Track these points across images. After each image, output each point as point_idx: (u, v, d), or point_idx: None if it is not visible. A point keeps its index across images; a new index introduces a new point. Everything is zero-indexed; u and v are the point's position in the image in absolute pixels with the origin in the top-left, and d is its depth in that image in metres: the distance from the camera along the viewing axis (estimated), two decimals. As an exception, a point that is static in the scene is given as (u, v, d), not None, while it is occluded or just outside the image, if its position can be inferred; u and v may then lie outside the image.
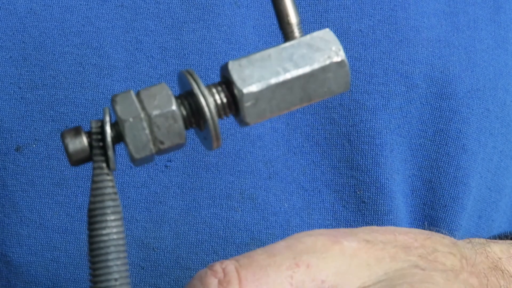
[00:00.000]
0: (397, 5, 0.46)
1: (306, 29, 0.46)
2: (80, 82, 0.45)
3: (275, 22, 0.29)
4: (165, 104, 0.27)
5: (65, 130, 0.28)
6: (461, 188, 0.46)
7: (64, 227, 0.44)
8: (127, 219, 0.44)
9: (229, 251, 0.44)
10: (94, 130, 0.28)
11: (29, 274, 0.44)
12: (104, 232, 0.27)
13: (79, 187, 0.44)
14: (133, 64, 0.45)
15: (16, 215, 0.44)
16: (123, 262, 0.28)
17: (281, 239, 0.44)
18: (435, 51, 0.46)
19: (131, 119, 0.27)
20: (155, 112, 0.27)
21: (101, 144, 0.28)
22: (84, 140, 0.28)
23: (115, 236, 0.28)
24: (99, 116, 0.44)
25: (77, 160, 0.28)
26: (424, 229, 0.45)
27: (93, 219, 0.28)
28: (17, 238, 0.44)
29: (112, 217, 0.28)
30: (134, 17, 0.46)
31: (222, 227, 0.44)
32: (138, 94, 0.27)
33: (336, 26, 0.46)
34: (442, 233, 0.37)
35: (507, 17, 0.49)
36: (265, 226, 0.44)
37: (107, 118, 0.27)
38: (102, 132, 0.27)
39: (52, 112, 0.44)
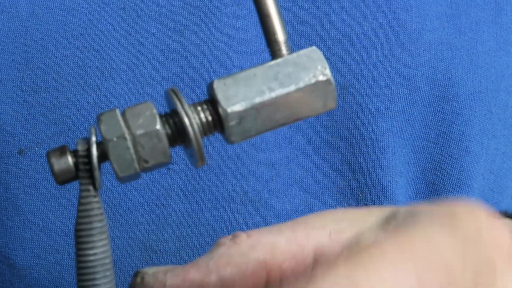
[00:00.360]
0: (400, 8, 0.46)
1: (307, 31, 0.46)
2: (82, 84, 0.45)
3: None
4: (150, 123, 0.27)
5: (50, 150, 0.28)
6: (464, 190, 0.46)
7: (67, 230, 0.44)
8: (129, 222, 0.44)
9: (232, 253, 0.44)
10: (80, 151, 0.28)
11: (32, 277, 0.44)
12: (91, 252, 0.28)
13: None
14: (135, 67, 0.45)
15: (19, 218, 0.44)
16: (109, 279, 0.28)
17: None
18: (437, 54, 0.46)
19: (115, 139, 0.27)
20: (139, 132, 0.27)
21: (87, 166, 0.28)
22: (70, 160, 0.28)
23: (101, 255, 0.28)
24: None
25: (63, 180, 0.28)
26: None
27: (80, 239, 0.28)
28: (20, 241, 0.44)
29: (99, 237, 0.28)
30: (136, 19, 0.46)
31: (224, 230, 0.44)
32: (123, 113, 0.27)
33: (338, 29, 0.46)
34: None
35: (509, 19, 0.49)
36: None
37: (94, 139, 0.27)
38: (88, 153, 0.28)
39: (54, 115, 0.44)
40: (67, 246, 0.44)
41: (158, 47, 0.45)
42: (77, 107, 0.44)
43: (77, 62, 0.45)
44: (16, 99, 0.45)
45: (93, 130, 0.27)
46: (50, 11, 0.46)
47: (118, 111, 0.27)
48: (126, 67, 0.45)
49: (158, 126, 0.27)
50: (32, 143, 0.44)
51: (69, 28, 0.45)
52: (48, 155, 0.28)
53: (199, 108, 0.28)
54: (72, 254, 0.44)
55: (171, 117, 0.28)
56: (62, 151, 0.28)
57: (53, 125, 0.44)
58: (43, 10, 0.46)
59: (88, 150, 0.27)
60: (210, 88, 0.28)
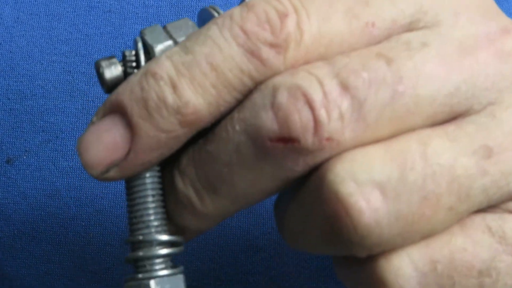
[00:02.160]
0: None
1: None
2: (69, 91, 0.44)
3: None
4: (190, 31, 0.28)
5: (99, 60, 0.28)
6: None
7: (57, 240, 0.43)
8: (121, 229, 0.43)
9: (226, 258, 0.43)
10: (128, 57, 0.28)
11: (23, 287, 0.43)
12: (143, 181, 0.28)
13: (71, 197, 0.43)
14: None
15: (9, 229, 0.43)
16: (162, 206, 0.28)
17: (278, 244, 0.43)
18: None
19: (160, 45, 0.28)
20: (182, 39, 0.28)
21: (135, 70, 0.28)
22: (119, 67, 0.28)
23: (154, 185, 0.28)
24: (87, 122, 0.44)
25: (112, 87, 0.28)
26: None
27: None
28: (10, 251, 0.43)
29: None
30: (123, 22, 0.45)
31: (217, 234, 0.43)
32: (164, 27, 0.28)
33: None
34: None
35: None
36: (262, 231, 0.43)
37: (140, 45, 0.28)
38: (137, 57, 0.28)
39: (42, 122, 0.44)
40: (58, 256, 0.43)
41: None
42: (64, 113, 0.44)
43: (63, 68, 0.44)
44: (3, 107, 0.44)
45: (138, 39, 0.28)
46: (35, 17, 0.45)
47: (159, 25, 0.28)
48: None
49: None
50: (20, 151, 0.44)
51: (54, 34, 0.45)
52: (97, 64, 0.28)
53: None
54: (63, 264, 0.43)
55: None
56: (111, 59, 0.28)
57: (41, 133, 0.44)
58: (28, 16, 0.45)
59: (137, 55, 0.28)
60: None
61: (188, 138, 0.27)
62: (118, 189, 0.43)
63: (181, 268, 0.29)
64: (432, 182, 0.24)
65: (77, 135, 0.43)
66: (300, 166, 0.25)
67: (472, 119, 0.25)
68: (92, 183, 0.43)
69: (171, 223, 0.28)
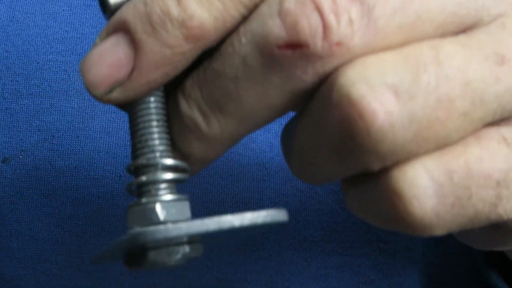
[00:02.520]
0: None
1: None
2: (66, 89, 0.44)
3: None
4: None
5: None
6: None
7: (54, 239, 0.43)
8: (118, 228, 0.43)
9: (223, 257, 0.43)
10: None
11: (20, 287, 0.43)
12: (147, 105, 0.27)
13: (68, 197, 0.43)
14: None
15: (5, 228, 0.43)
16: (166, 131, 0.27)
17: (276, 242, 0.43)
18: None
19: None
20: None
21: None
22: None
23: (159, 110, 0.27)
24: (85, 125, 0.43)
25: (115, 11, 0.27)
26: None
27: None
28: (7, 251, 0.43)
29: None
30: None
31: None
32: None
33: None
34: None
35: None
36: (259, 230, 0.43)
37: None
38: None
39: (38, 121, 0.43)
40: (54, 256, 0.43)
41: None
42: (60, 112, 0.43)
43: (59, 67, 0.44)
44: None
45: None
46: (31, 16, 0.45)
47: None
48: None
49: None
50: (16, 151, 0.43)
51: (50, 32, 0.44)
52: None
53: None
54: (60, 263, 0.43)
55: None
56: None
57: (37, 132, 0.43)
58: (23, 14, 0.45)
59: None
60: None
61: (194, 59, 0.26)
62: (114, 189, 0.43)
63: (186, 196, 0.28)
64: (445, 84, 0.23)
65: (73, 135, 0.43)
66: (309, 75, 0.24)
67: (483, 30, 0.25)
68: (89, 182, 0.43)
69: (176, 151, 0.28)
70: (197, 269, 0.43)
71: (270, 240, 0.43)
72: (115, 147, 0.43)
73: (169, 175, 0.27)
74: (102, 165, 0.43)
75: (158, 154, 0.27)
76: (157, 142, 0.27)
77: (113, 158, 0.43)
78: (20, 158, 0.43)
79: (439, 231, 0.25)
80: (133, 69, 0.26)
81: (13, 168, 0.43)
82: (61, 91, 0.44)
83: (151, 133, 0.27)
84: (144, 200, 0.27)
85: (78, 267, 0.43)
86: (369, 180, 0.25)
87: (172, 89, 0.28)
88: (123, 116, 0.43)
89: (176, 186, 0.28)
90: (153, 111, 0.27)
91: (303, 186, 0.44)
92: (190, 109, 0.26)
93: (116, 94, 0.26)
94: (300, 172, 0.28)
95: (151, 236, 0.24)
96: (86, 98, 0.43)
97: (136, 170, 0.27)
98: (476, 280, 0.44)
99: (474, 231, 0.28)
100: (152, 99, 0.27)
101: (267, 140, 0.44)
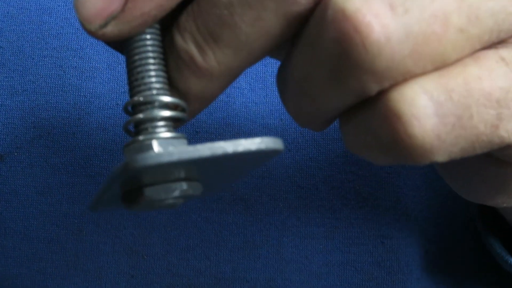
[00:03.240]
0: None
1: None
2: (61, 86, 0.43)
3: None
4: None
5: None
6: None
7: (49, 237, 0.42)
8: (114, 226, 0.42)
9: (222, 255, 0.42)
10: None
11: (15, 286, 0.43)
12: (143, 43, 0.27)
13: (63, 195, 0.42)
14: (115, 65, 0.43)
15: (0, 227, 0.43)
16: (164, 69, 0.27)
17: (276, 240, 0.42)
18: None
19: None
20: None
21: None
22: None
23: (155, 48, 0.27)
24: (81, 121, 0.43)
25: None
26: (441, 222, 0.43)
27: None
28: (1, 249, 0.43)
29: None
30: None
31: (213, 231, 0.42)
32: None
33: None
34: None
35: None
36: (259, 228, 0.42)
37: None
38: None
39: (33, 118, 0.43)
40: (50, 254, 0.42)
41: None
42: (56, 109, 0.43)
43: (55, 63, 0.43)
44: None
45: None
46: (26, 11, 0.44)
47: None
48: (105, 66, 0.43)
49: None
50: (12, 148, 0.43)
51: (45, 28, 0.44)
52: None
53: None
54: (56, 262, 0.42)
55: None
56: None
57: (32, 129, 0.43)
58: (18, 10, 0.44)
59: None
60: None
61: None
62: (111, 186, 0.42)
63: (185, 135, 0.27)
64: None
65: (69, 131, 0.43)
66: None
67: None
68: (85, 180, 0.42)
69: (173, 89, 0.27)
70: (195, 267, 0.42)
71: (270, 237, 0.42)
72: (111, 144, 0.42)
73: (166, 113, 0.26)
74: (98, 162, 0.42)
75: (155, 91, 0.26)
76: (154, 79, 0.26)
77: (110, 155, 0.42)
78: (15, 155, 0.43)
79: (440, 156, 0.24)
80: (127, 1, 0.25)
81: (8, 166, 0.43)
82: (57, 87, 0.43)
83: (148, 70, 0.26)
84: (141, 137, 0.26)
85: (74, 265, 0.42)
86: (367, 106, 0.25)
87: (167, 27, 0.27)
88: (120, 113, 0.43)
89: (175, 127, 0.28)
90: (149, 48, 0.27)
91: (304, 182, 0.43)
92: (185, 43, 0.26)
93: (111, 28, 0.26)
94: (296, 110, 0.27)
95: (142, 161, 0.23)
96: (82, 94, 0.43)
97: (133, 108, 0.27)
98: (481, 276, 0.44)
99: (473, 169, 0.28)
100: (148, 36, 0.27)
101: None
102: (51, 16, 0.44)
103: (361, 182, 0.43)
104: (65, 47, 0.44)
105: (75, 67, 0.43)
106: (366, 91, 0.24)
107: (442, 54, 0.23)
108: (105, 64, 0.43)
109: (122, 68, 0.43)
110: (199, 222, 0.42)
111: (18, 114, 0.43)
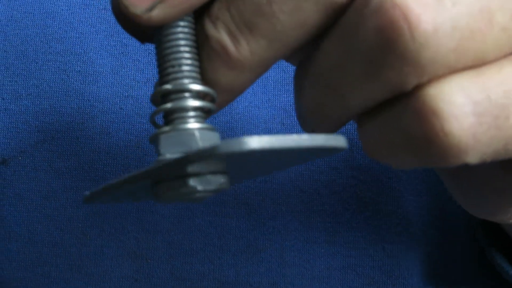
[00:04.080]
0: None
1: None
2: (65, 90, 0.43)
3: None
4: None
5: None
6: None
7: (54, 241, 0.43)
8: (118, 230, 0.42)
9: (225, 259, 0.42)
10: None
11: None
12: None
13: (68, 199, 0.42)
14: (119, 69, 0.44)
15: (5, 230, 0.43)
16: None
17: (279, 244, 0.43)
18: None
19: None
20: None
21: None
22: None
23: (189, 36, 0.26)
24: (85, 125, 0.43)
25: None
26: (441, 226, 0.43)
27: None
28: (6, 253, 0.43)
29: None
30: None
31: (217, 235, 0.42)
32: None
33: None
34: None
35: None
36: (262, 232, 0.43)
37: None
38: None
39: (37, 122, 0.43)
40: (54, 258, 0.43)
41: (141, 47, 0.44)
42: (60, 113, 0.43)
43: (58, 67, 0.44)
44: None
45: None
46: (29, 15, 0.44)
47: None
48: (109, 70, 0.43)
49: None
50: (15, 152, 0.43)
51: (49, 32, 0.44)
52: None
53: None
54: (60, 266, 0.43)
55: None
56: None
57: (36, 133, 0.43)
58: (22, 14, 0.44)
59: None
60: None
61: None
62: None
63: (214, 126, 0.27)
64: None
65: (73, 136, 0.43)
66: None
67: None
68: (89, 184, 0.43)
69: (203, 79, 0.27)
70: (199, 271, 0.42)
71: (273, 241, 0.43)
72: (115, 148, 0.43)
73: (200, 103, 0.26)
74: (102, 166, 0.43)
75: (186, 80, 0.26)
76: (185, 68, 0.26)
77: (113, 159, 0.43)
78: (19, 159, 0.43)
79: (473, 157, 0.24)
80: None
81: (12, 170, 0.43)
82: (60, 91, 0.43)
83: (180, 58, 0.26)
84: (181, 126, 0.26)
85: (78, 269, 0.42)
86: (398, 103, 0.24)
87: (198, 17, 0.27)
88: (123, 117, 0.43)
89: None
90: (186, 36, 0.26)
91: (306, 187, 0.43)
92: (217, 32, 0.26)
93: (157, 12, 0.25)
94: (317, 107, 0.26)
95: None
96: (85, 98, 0.43)
97: (163, 98, 0.26)
98: (481, 280, 0.44)
99: (488, 178, 0.28)
100: (185, 23, 0.26)
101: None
102: (54, 20, 0.44)
103: (362, 187, 0.44)
104: (68, 51, 0.44)
105: (79, 71, 0.43)
106: (403, 85, 0.23)
107: (484, 52, 0.23)
108: (109, 68, 0.43)
109: (125, 72, 0.44)
110: (202, 226, 0.42)
111: (22, 118, 0.43)
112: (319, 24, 0.25)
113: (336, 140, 0.24)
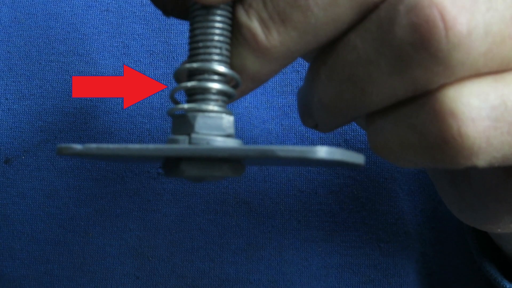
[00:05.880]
0: None
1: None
2: (68, 90, 0.44)
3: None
4: None
5: None
6: None
7: (56, 239, 0.43)
8: (120, 228, 0.43)
9: (226, 257, 0.43)
10: None
11: (22, 287, 0.43)
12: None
13: (70, 197, 0.43)
14: (121, 70, 0.44)
15: (8, 229, 0.43)
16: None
17: (277, 243, 0.43)
18: None
19: None
20: None
21: None
22: None
23: (225, 19, 0.27)
24: (88, 125, 0.43)
25: None
26: (435, 226, 0.44)
27: None
28: (9, 251, 0.43)
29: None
30: (120, 21, 0.45)
31: (217, 234, 0.43)
32: None
33: None
34: None
35: None
36: (261, 230, 0.43)
37: None
38: None
39: (40, 122, 0.43)
40: (57, 256, 0.43)
41: (143, 48, 0.44)
42: (63, 113, 0.44)
43: (61, 68, 0.44)
44: (1, 107, 0.44)
45: None
46: (32, 17, 0.45)
47: None
48: (111, 71, 0.44)
49: None
50: (19, 152, 0.43)
51: (52, 33, 0.44)
52: None
53: None
54: (63, 264, 0.43)
55: None
56: None
57: (39, 133, 0.43)
58: (25, 15, 0.45)
59: None
60: None
61: None
62: (116, 189, 0.43)
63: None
64: None
65: (75, 135, 0.43)
66: None
67: None
68: (91, 183, 0.43)
69: (230, 65, 0.27)
70: (200, 269, 0.43)
71: (272, 240, 0.43)
72: None
73: (224, 86, 0.26)
74: (105, 165, 0.43)
75: (217, 63, 0.26)
76: (217, 51, 0.26)
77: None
78: (22, 158, 0.43)
79: (483, 160, 0.24)
80: None
81: (15, 169, 0.43)
82: (63, 92, 0.44)
83: (215, 40, 0.26)
84: (204, 106, 0.26)
85: (81, 267, 0.43)
86: (416, 102, 0.24)
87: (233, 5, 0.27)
88: (125, 117, 0.43)
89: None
90: (220, 19, 0.27)
91: (304, 187, 0.44)
92: (249, 20, 0.26)
93: None
94: (333, 101, 0.26)
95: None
96: (88, 98, 0.44)
97: (191, 75, 0.27)
98: (475, 278, 0.45)
99: (492, 186, 0.28)
100: (222, 6, 0.27)
101: (268, 141, 0.44)
102: (57, 22, 0.45)
103: (359, 187, 0.44)
104: (71, 52, 0.44)
105: (82, 72, 0.44)
106: (429, 84, 0.23)
107: (510, 58, 0.24)
108: (111, 68, 0.44)
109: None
110: (203, 224, 0.43)
111: (25, 118, 0.44)
112: (351, 20, 0.25)
113: (359, 158, 0.24)
